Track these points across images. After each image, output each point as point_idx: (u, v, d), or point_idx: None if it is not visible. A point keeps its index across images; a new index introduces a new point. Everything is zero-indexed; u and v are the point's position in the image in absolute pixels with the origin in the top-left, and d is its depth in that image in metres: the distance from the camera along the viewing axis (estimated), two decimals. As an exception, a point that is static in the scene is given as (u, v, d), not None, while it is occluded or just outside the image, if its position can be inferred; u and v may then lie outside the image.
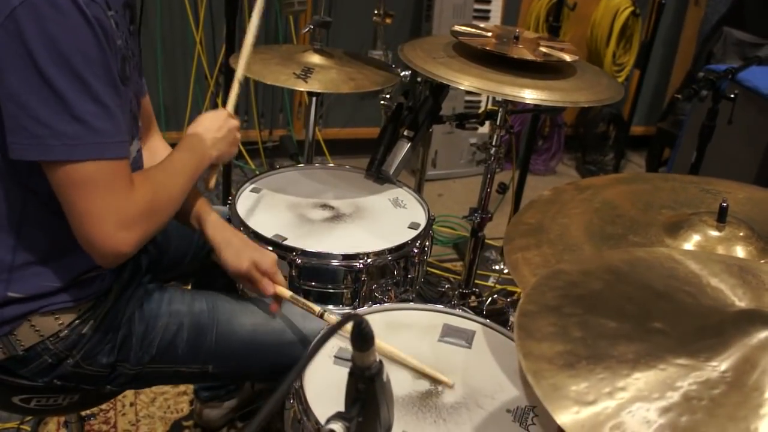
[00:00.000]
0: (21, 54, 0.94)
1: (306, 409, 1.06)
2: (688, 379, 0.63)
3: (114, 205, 1.03)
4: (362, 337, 0.66)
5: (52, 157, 0.99)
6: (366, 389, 0.73)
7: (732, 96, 1.86)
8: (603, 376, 0.63)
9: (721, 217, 1.06)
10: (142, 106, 1.33)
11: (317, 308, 1.27)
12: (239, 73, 1.45)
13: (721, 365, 0.64)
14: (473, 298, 2.06)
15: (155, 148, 1.43)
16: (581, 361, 0.65)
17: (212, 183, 1.42)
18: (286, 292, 1.31)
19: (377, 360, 0.73)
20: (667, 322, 0.70)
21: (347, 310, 1.48)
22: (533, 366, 0.65)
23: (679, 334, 0.68)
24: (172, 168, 1.22)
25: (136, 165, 1.26)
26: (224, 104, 1.44)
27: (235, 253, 1.30)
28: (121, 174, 1.05)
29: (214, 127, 1.33)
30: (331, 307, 1.48)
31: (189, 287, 1.75)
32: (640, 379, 0.63)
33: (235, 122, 1.38)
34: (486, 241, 2.05)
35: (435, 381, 1.14)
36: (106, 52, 0.99)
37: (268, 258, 1.32)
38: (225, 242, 1.32)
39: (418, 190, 2.34)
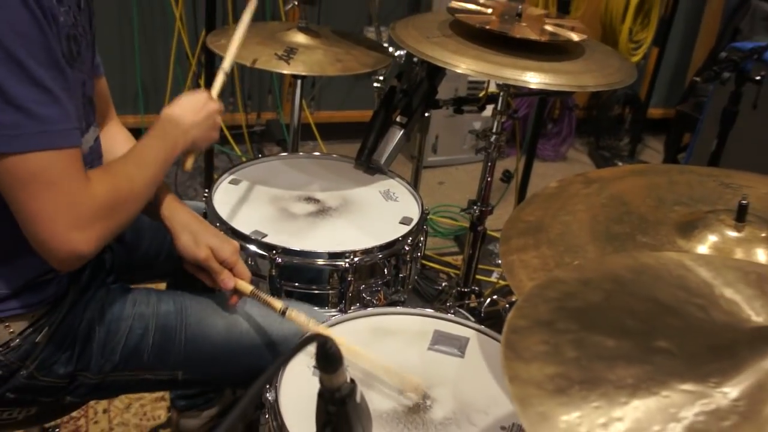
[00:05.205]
0: None
1: (281, 426, 1.03)
2: (694, 408, 0.59)
3: (66, 201, 0.99)
4: (328, 359, 0.63)
5: None
6: (337, 412, 0.71)
7: (758, 78, 1.82)
8: (598, 404, 0.60)
9: (740, 215, 1.02)
10: (98, 88, 1.29)
11: (279, 304, 1.23)
12: (226, 64, 1.42)
13: (732, 392, 0.60)
14: (473, 297, 2.03)
15: (113, 135, 1.39)
16: (574, 386, 0.61)
17: (189, 164, 1.36)
18: (247, 287, 1.27)
19: (348, 380, 0.70)
20: (673, 340, 0.67)
21: (333, 312, 1.45)
22: (520, 391, 0.61)
23: (686, 355, 0.65)
24: (138, 158, 1.17)
25: (95, 155, 1.23)
26: (207, 87, 1.41)
27: (193, 238, 1.26)
28: (72, 166, 1.00)
29: (192, 109, 1.28)
30: (316, 308, 1.45)
31: (164, 287, 1.73)
32: (640, 408, 0.59)
33: (215, 105, 1.33)
34: (489, 233, 2.02)
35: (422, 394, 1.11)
36: (45, 31, 0.95)
37: (228, 246, 1.28)
38: (181, 226, 1.27)
39: (416, 178, 2.31)
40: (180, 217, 1.28)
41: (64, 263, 1.03)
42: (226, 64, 1.43)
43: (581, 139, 4.06)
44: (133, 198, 1.12)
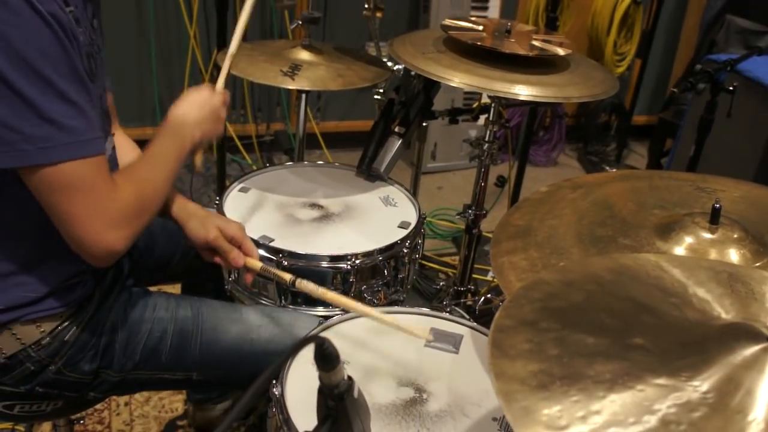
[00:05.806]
0: None
1: (287, 419, 1.03)
2: (667, 401, 0.59)
3: (98, 204, 1.01)
4: (325, 359, 0.63)
5: (27, 162, 0.96)
6: (336, 406, 0.71)
7: (731, 88, 1.81)
8: (577, 398, 0.60)
9: (714, 218, 1.02)
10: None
11: (288, 277, 1.25)
12: (233, 46, 1.35)
13: (702, 385, 0.60)
14: (469, 296, 2.03)
15: (119, 143, 1.39)
16: (555, 381, 0.62)
17: (199, 163, 1.34)
18: (257, 264, 1.29)
19: (345, 377, 0.70)
20: (648, 337, 0.67)
21: (336, 311, 1.45)
22: (505, 387, 0.62)
23: (660, 351, 0.65)
24: (154, 159, 1.18)
25: (113, 163, 1.24)
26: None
27: (200, 222, 1.30)
28: (100, 171, 1.02)
29: (196, 105, 1.25)
30: (321, 307, 1.45)
31: (179, 288, 1.73)
32: (616, 402, 0.59)
33: (218, 99, 1.29)
34: (485, 234, 2.02)
35: (418, 384, 1.11)
36: (67, 49, 0.96)
37: (234, 224, 1.32)
38: (188, 215, 1.31)
39: (415, 184, 2.30)
40: (187, 208, 1.32)
41: (100, 260, 1.05)
42: (233, 47, 1.36)
43: (571, 145, 4.06)
44: (155, 197, 1.14)
